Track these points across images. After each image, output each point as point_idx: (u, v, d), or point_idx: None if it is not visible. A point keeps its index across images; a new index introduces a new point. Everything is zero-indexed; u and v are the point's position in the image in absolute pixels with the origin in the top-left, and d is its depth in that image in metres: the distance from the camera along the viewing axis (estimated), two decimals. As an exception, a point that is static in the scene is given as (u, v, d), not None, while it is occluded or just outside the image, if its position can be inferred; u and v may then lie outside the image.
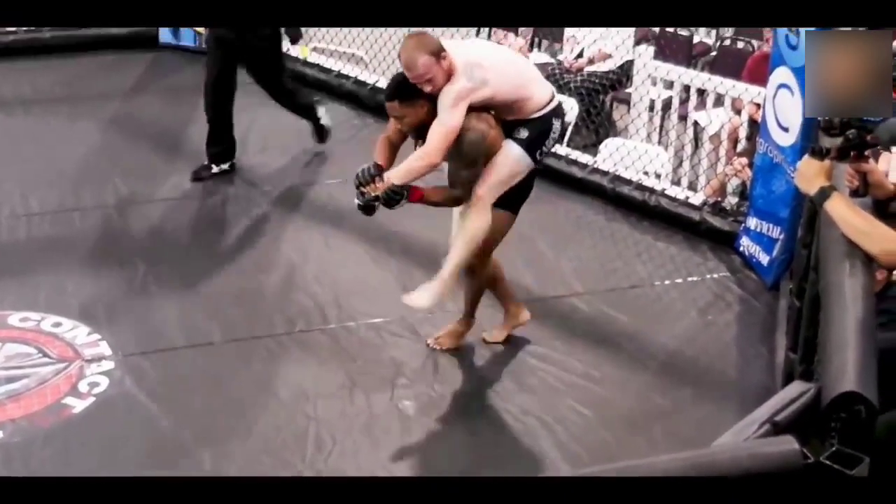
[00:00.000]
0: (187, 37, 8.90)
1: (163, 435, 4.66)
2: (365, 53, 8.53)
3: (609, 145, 7.17)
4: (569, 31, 8.41)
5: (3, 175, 6.72)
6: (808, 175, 3.62)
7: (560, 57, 8.42)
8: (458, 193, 4.76)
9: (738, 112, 7.18)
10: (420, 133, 4.66)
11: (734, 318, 5.70)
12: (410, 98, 4.59)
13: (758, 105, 6.73)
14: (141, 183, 6.72)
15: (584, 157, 7.06)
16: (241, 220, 6.46)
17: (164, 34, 8.92)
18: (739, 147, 7.07)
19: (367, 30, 8.28)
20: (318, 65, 8.38)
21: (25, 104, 7.87)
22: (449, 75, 4.59)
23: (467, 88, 4.58)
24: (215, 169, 6.83)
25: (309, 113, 7.23)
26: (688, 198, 6.58)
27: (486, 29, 9.20)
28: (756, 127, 6.63)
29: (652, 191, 6.61)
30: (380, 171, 4.64)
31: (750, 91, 6.92)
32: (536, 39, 9.03)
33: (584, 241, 6.41)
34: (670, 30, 8.47)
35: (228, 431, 4.70)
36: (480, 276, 5.04)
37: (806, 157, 3.67)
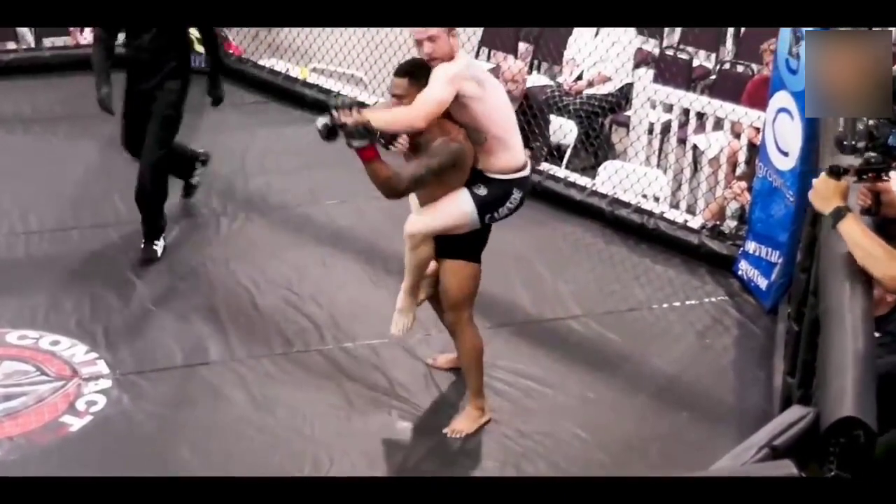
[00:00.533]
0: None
1: (160, 454, 4.65)
2: (364, 74, 8.54)
3: (608, 168, 7.18)
4: (568, 54, 8.42)
5: (3, 193, 6.71)
6: (825, 194, 3.61)
7: (559, 79, 8.43)
8: (398, 185, 4.53)
9: (738, 136, 7.19)
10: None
11: (732, 341, 5.70)
12: (420, 79, 4.52)
13: (757, 129, 6.74)
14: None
15: (582, 180, 7.07)
16: (240, 239, 6.46)
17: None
18: (738, 171, 7.08)
19: (367, 51, 8.30)
20: (317, 85, 8.39)
21: (25, 122, 7.87)
22: (451, 56, 4.54)
23: (463, 75, 4.50)
24: (194, 180, 6.72)
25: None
26: (686, 221, 6.58)
27: (487, 50, 9.26)
28: (755, 151, 6.64)
29: (650, 214, 6.61)
30: (361, 107, 4.50)
31: (749, 115, 6.94)
32: (536, 61, 9.05)
33: (582, 263, 6.41)
34: (670, 53, 8.49)
35: (226, 450, 4.69)
36: (463, 335, 4.80)
37: (823, 175, 3.66)
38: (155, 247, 6.16)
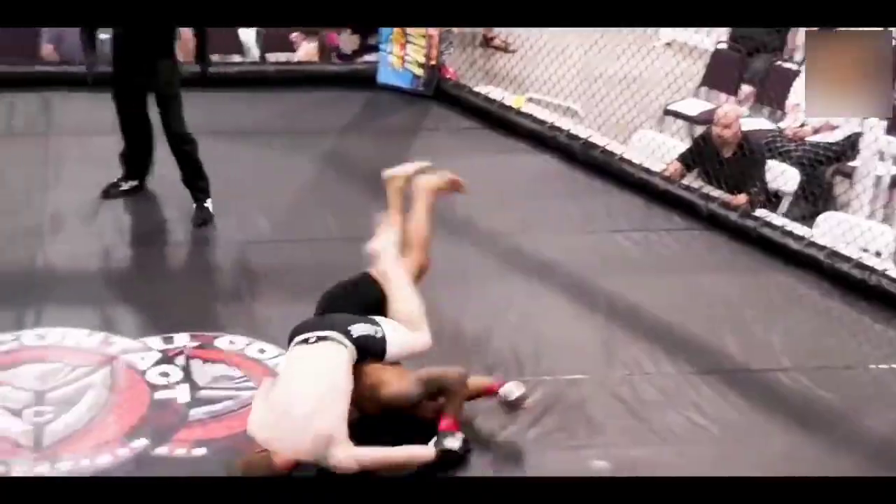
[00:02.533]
0: (404, 78, 9.02)
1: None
2: (580, 107, 8.50)
3: (828, 219, 6.95)
4: (793, 99, 8.21)
5: (222, 201, 6.86)
6: None
7: (782, 124, 8.22)
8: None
9: (973, 195, 6.86)
10: None
11: (957, 411, 5.40)
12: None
13: None
14: (351, 220, 6.78)
15: (800, 230, 6.85)
16: (446, 264, 6.45)
17: (383, 74, 9.04)
18: (973, 232, 6.75)
19: (585, 83, 8.27)
20: (531, 115, 8.38)
21: (245, 134, 8.02)
22: None
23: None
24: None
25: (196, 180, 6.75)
26: (912, 280, 6.29)
27: (706, 89, 9.10)
28: None
29: (872, 270, 6.34)
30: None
31: None
32: (759, 105, 8.86)
33: (796, 315, 6.17)
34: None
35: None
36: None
37: None
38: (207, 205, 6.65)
